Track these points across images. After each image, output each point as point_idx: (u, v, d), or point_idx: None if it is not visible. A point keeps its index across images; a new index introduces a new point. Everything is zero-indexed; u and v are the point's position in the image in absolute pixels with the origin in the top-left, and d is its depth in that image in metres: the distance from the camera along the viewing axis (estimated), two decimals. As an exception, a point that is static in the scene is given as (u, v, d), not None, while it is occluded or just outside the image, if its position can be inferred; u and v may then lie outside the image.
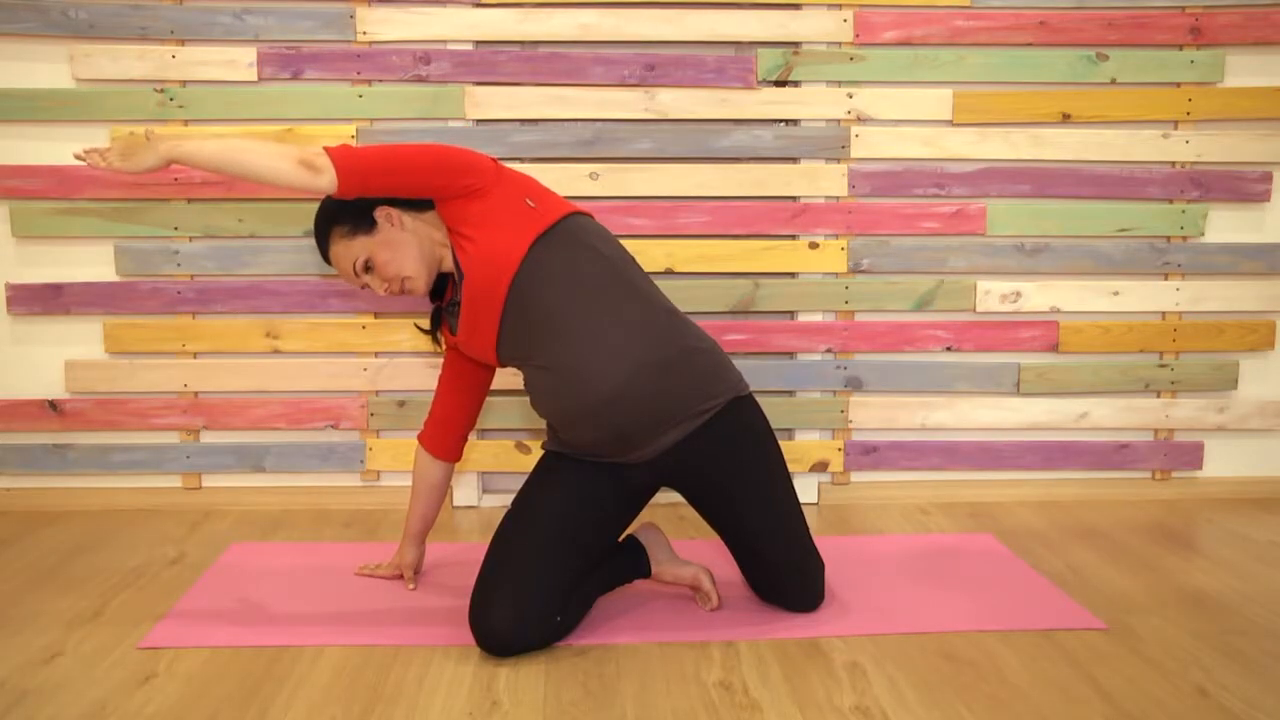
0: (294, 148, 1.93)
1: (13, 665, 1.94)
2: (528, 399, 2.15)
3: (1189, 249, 2.91)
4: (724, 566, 2.35)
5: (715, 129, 2.82)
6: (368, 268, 2.05)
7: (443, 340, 2.23)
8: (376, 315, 2.83)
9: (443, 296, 2.19)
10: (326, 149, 1.93)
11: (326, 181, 1.92)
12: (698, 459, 2.08)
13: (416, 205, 2.07)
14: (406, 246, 2.04)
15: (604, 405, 2.00)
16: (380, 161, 1.95)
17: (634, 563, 2.17)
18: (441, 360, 2.30)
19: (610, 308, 2.02)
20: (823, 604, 2.18)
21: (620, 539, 2.20)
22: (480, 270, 1.99)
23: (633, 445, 2.05)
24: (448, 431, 2.26)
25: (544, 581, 1.99)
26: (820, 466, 2.94)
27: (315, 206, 2.16)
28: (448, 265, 2.10)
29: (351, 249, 2.04)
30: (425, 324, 2.25)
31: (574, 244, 2.03)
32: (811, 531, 2.18)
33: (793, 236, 2.87)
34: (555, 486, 2.11)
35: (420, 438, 2.29)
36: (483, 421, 2.84)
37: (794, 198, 2.86)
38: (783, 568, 2.13)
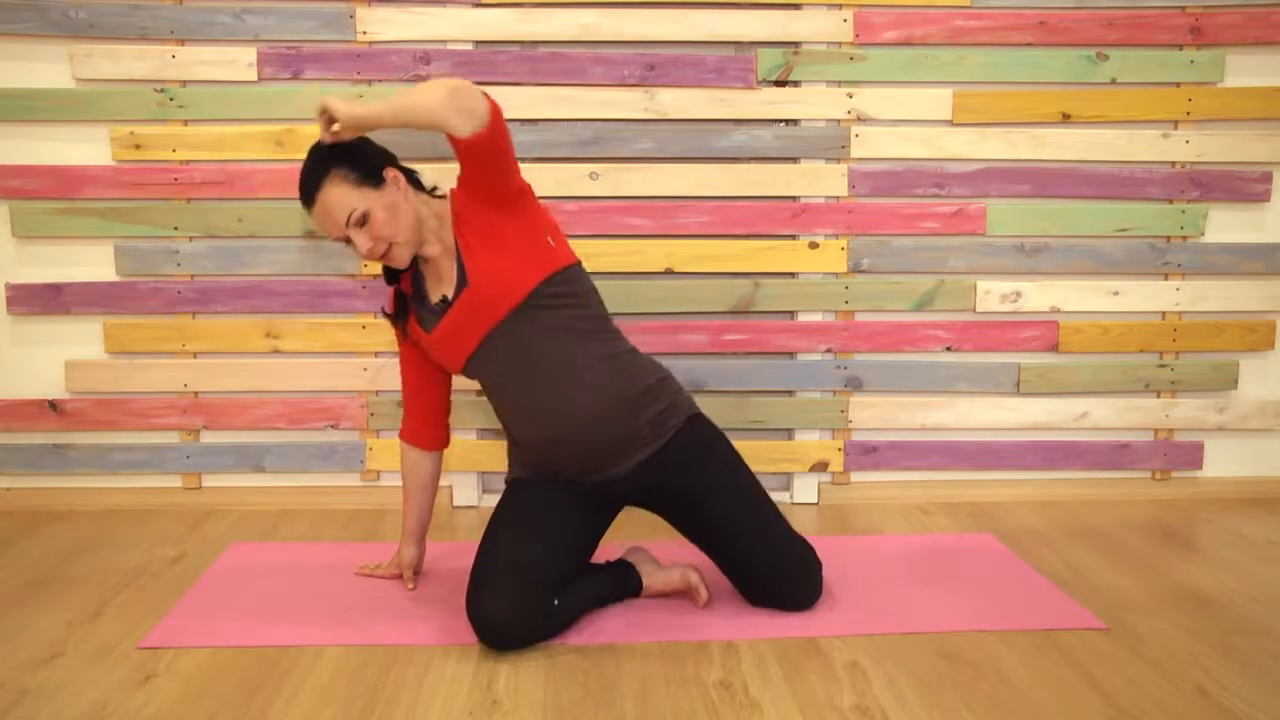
0: (447, 79, 1.93)
1: (13, 665, 1.94)
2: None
3: (1189, 249, 2.91)
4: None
5: (715, 129, 2.82)
6: (361, 221, 2.02)
7: (406, 331, 2.21)
8: (376, 315, 2.83)
9: (399, 280, 2.18)
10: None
11: (479, 116, 1.91)
12: (666, 471, 2.15)
13: (416, 184, 2.13)
14: (405, 215, 2.05)
15: (583, 433, 2.09)
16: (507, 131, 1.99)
17: (624, 579, 2.21)
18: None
19: (593, 348, 2.11)
20: (819, 602, 2.18)
21: (605, 560, 2.25)
22: (489, 285, 2.03)
23: (604, 464, 2.13)
24: (428, 421, 2.28)
25: (537, 565, 2.03)
26: (820, 466, 2.93)
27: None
28: (427, 251, 2.10)
29: (352, 198, 2.00)
30: (389, 308, 2.23)
31: (573, 288, 2.10)
32: (811, 532, 2.19)
33: (793, 236, 2.87)
34: (535, 486, 2.18)
35: (402, 435, 2.29)
36: (481, 420, 2.85)
37: (794, 198, 2.86)
38: (767, 567, 2.15)
